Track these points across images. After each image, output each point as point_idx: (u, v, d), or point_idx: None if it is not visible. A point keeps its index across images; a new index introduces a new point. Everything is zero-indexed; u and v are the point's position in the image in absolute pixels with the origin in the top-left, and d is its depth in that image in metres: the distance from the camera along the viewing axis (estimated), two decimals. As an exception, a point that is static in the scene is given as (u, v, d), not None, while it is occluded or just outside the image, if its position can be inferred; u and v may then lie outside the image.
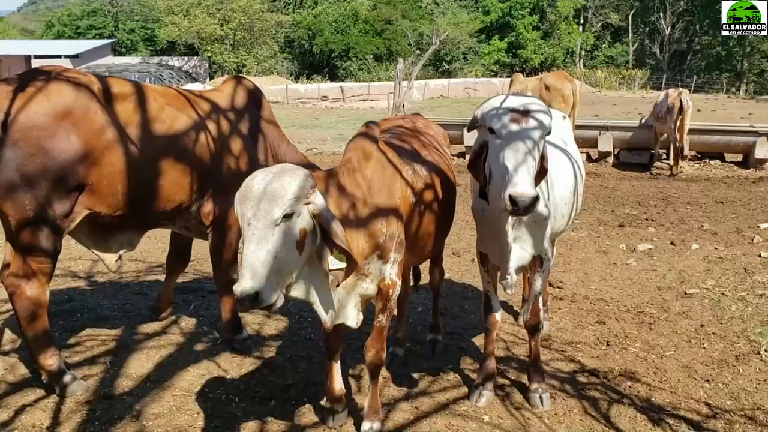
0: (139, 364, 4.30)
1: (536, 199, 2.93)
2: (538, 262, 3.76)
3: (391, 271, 3.28)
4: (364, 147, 3.28)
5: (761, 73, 52.74)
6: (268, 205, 2.56)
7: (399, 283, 3.38)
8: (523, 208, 2.93)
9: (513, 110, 3.11)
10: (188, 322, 5.11)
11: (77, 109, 3.59)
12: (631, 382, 4.23)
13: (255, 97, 4.56)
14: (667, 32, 54.73)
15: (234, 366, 4.34)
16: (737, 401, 3.99)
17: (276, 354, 4.55)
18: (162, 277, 6.16)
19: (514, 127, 3.07)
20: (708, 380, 4.25)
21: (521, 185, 2.94)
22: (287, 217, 2.59)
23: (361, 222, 3.10)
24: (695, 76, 49.73)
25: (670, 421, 3.74)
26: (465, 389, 4.06)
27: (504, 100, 3.23)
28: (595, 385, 4.17)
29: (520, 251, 3.64)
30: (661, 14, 54.79)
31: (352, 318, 3.27)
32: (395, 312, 3.49)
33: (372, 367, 3.47)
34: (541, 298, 3.98)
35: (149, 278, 6.13)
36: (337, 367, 3.60)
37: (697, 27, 55.84)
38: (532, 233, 3.63)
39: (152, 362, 4.33)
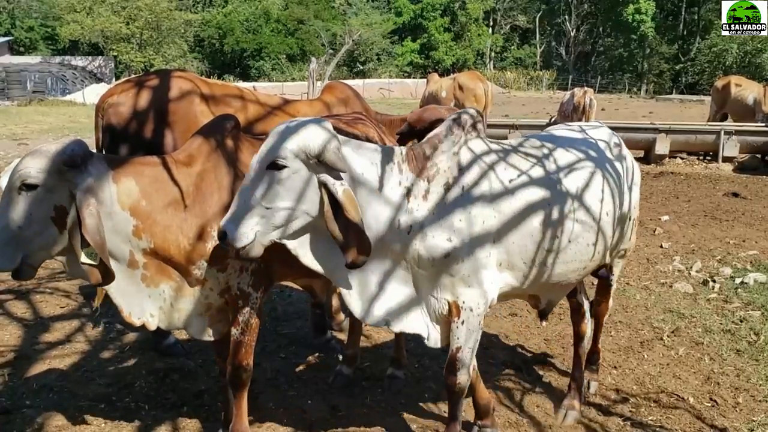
0: (41, 375, 4.09)
1: (224, 234, 2.51)
2: None
3: (239, 281, 2.98)
4: (200, 142, 2.97)
5: (660, 74, 55.38)
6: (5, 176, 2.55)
7: (255, 294, 3.03)
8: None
9: None
10: (93, 330, 4.90)
11: None
12: (542, 371, 4.33)
13: None
14: (573, 34, 56.69)
15: (143, 373, 4.19)
16: (642, 386, 4.14)
17: (187, 359, 4.42)
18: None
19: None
20: (615, 366, 4.40)
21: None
22: (29, 187, 2.51)
23: (180, 220, 2.84)
24: (599, 77, 51.81)
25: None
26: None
27: None
28: (509, 376, 4.24)
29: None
30: (567, 17, 56.70)
31: (196, 328, 3.04)
32: (257, 326, 3.08)
33: (230, 385, 3.16)
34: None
35: (50, 285, 5.84)
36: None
37: (601, 29, 58.13)
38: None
39: (55, 372, 4.13)
